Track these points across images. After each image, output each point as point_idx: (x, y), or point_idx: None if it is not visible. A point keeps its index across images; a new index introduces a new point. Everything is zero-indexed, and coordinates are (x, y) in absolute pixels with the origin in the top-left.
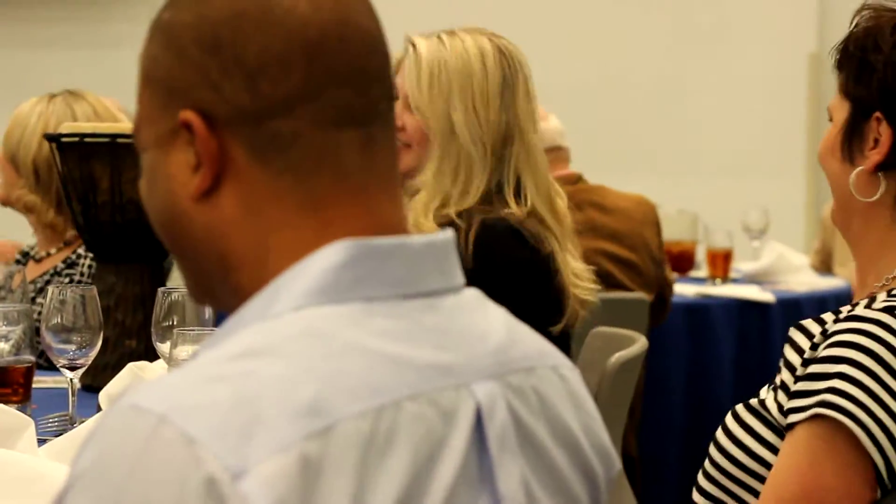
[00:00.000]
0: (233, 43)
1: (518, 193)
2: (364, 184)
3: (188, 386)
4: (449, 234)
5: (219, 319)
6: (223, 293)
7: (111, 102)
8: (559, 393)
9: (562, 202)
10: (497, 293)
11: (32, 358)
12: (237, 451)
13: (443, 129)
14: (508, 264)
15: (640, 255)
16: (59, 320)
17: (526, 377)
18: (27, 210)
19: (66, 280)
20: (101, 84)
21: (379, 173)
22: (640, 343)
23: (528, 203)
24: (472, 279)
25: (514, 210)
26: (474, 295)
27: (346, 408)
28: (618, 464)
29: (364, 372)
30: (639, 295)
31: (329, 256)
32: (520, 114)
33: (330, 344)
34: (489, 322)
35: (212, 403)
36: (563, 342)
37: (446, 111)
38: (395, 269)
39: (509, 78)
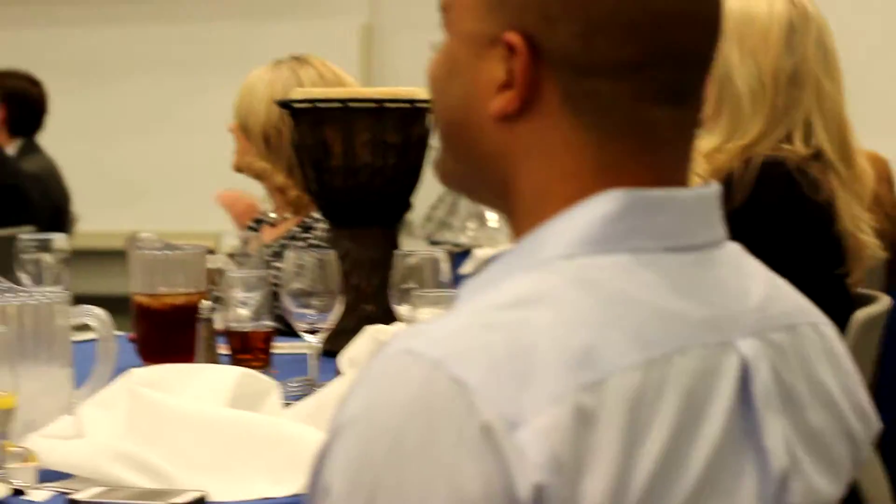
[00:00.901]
0: None
1: (808, 138)
2: (664, 160)
3: (462, 332)
4: (715, 187)
5: (456, 281)
6: (488, 198)
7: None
8: (818, 351)
9: (859, 154)
10: (768, 236)
11: (273, 323)
12: (513, 400)
13: (721, 72)
14: (782, 207)
15: (874, 213)
16: (299, 285)
17: (786, 335)
18: (258, 177)
19: (302, 244)
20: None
21: (681, 151)
22: (884, 301)
23: (816, 146)
24: (745, 220)
25: (797, 150)
26: (736, 249)
27: (619, 360)
28: (877, 423)
29: (635, 324)
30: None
31: (602, 205)
32: (809, 59)
33: (601, 295)
34: (751, 277)
35: (486, 351)
36: (841, 292)
37: (724, 54)
38: (665, 222)
39: (797, 24)
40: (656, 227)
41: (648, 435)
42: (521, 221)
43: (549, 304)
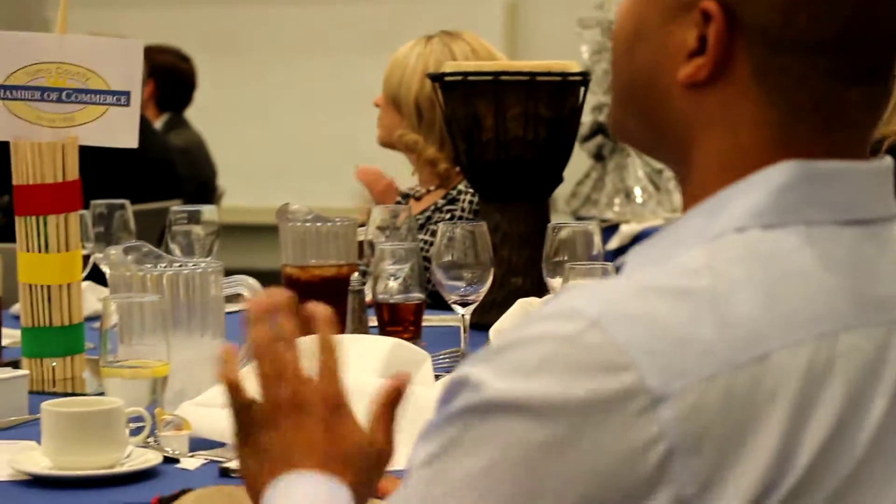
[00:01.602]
0: None
1: None
2: (848, 138)
3: (625, 296)
4: (889, 160)
5: (613, 256)
6: (664, 158)
7: None
8: None
9: None
10: None
11: (422, 295)
12: (662, 371)
13: None
14: None
15: None
16: (450, 257)
17: None
18: (408, 149)
19: (447, 216)
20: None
21: (866, 129)
22: None
23: None
24: None
25: None
26: None
27: (783, 336)
28: None
29: (803, 300)
30: None
31: (774, 176)
32: None
33: (771, 270)
34: None
35: (646, 317)
36: None
37: None
38: (838, 194)
39: None
40: (829, 199)
41: (813, 415)
42: (694, 190)
43: (717, 278)
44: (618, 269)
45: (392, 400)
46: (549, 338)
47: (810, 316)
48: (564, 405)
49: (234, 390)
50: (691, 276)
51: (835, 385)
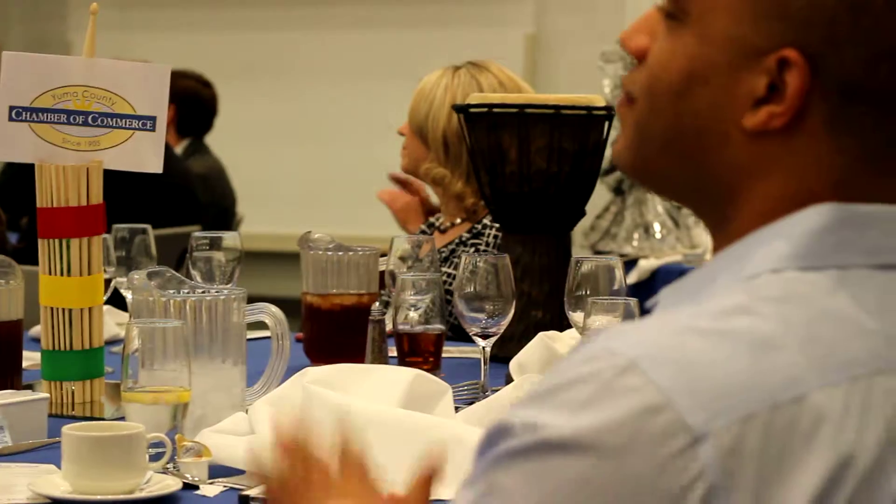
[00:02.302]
0: (879, 15)
1: None
2: None
3: (662, 336)
4: None
5: (630, 291)
6: (698, 201)
7: None
8: None
9: None
10: None
11: (442, 326)
12: (702, 410)
13: None
14: None
15: None
16: (472, 289)
17: None
18: (435, 183)
19: (471, 250)
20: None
21: None
22: None
23: None
24: None
25: None
26: None
27: (820, 377)
28: None
29: (839, 342)
30: None
31: (813, 218)
32: None
33: (808, 311)
34: None
35: (683, 357)
36: None
37: None
38: (872, 238)
39: None
40: (864, 243)
41: (851, 455)
42: (737, 231)
43: (752, 318)
44: (649, 309)
45: (428, 478)
46: (589, 379)
47: (846, 358)
48: (609, 442)
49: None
50: (728, 316)
51: (872, 427)
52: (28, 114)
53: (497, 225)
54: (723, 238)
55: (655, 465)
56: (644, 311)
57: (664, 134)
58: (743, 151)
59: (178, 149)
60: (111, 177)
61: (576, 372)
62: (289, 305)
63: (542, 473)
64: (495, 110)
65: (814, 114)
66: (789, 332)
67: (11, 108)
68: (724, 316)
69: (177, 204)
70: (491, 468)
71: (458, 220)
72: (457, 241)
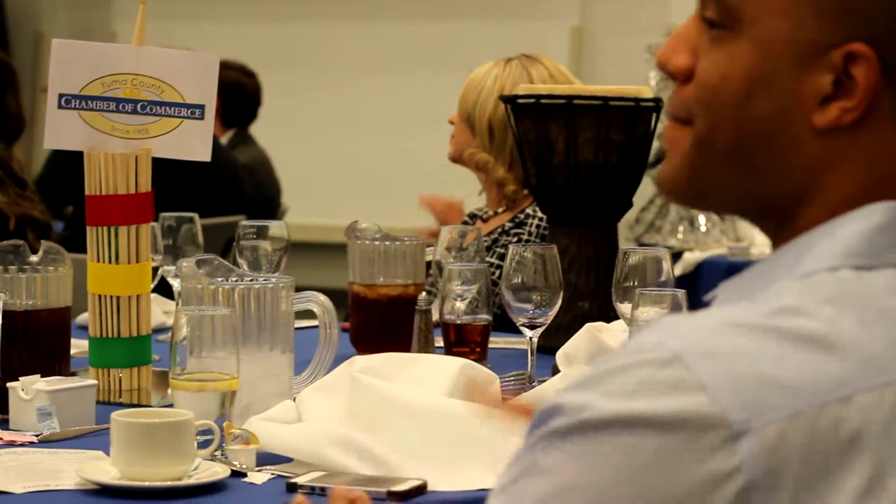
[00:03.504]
0: None
1: None
2: None
3: (709, 331)
4: None
5: (675, 284)
6: (761, 210)
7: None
8: None
9: None
10: None
11: (489, 317)
12: (744, 406)
13: None
14: None
15: None
16: (519, 279)
17: None
18: (478, 168)
19: (514, 240)
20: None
21: None
22: None
23: None
24: None
25: None
26: None
27: (868, 378)
28: None
29: (890, 343)
30: None
31: (868, 217)
32: None
33: (862, 311)
34: None
35: (730, 352)
36: None
37: None
38: None
39: None
40: None
41: None
42: (798, 229)
43: (806, 317)
44: (707, 303)
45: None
46: (634, 369)
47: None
48: (648, 428)
49: None
50: (779, 314)
51: None
52: (77, 101)
53: (540, 214)
54: (783, 237)
55: (693, 455)
56: (702, 305)
57: (729, 147)
58: (814, 151)
59: (223, 139)
60: (158, 165)
61: (624, 361)
62: (332, 296)
63: (580, 452)
64: (543, 101)
65: (882, 106)
66: (840, 332)
67: (61, 96)
68: (775, 314)
69: (222, 194)
70: (534, 447)
71: (500, 209)
72: (499, 230)
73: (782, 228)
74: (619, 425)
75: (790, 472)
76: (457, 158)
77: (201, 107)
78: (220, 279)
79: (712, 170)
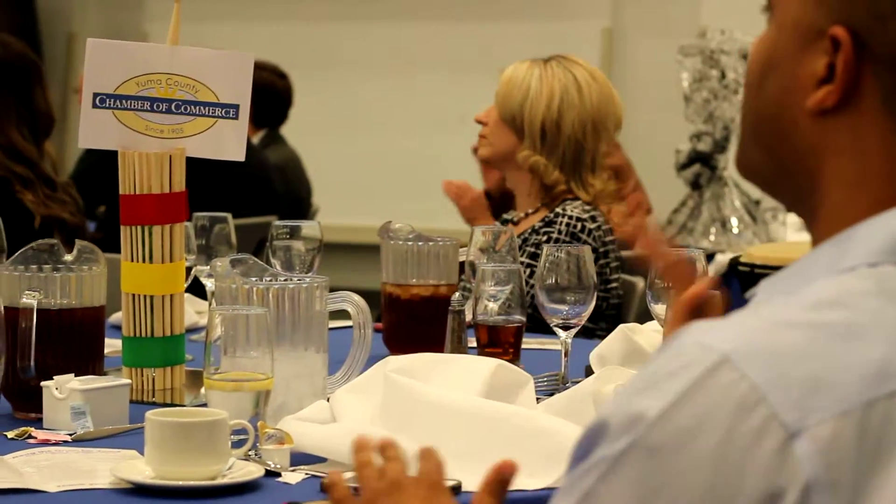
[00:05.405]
0: None
1: None
2: None
3: (757, 330)
4: None
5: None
6: (788, 195)
7: None
8: None
9: None
10: None
11: (523, 318)
12: (797, 406)
13: None
14: None
15: None
16: (553, 280)
17: None
18: (532, 171)
19: (543, 238)
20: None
21: None
22: None
23: None
24: None
25: None
26: None
27: None
28: None
29: None
30: None
31: None
32: None
33: None
34: None
35: (778, 352)
36: None
37: None
38: None
39: None
40: None
41: None
42: (822, 223)
43: (849, 312)
44: (746, 301)
45: (495, 488)
46: (681, 375)
47: None
48: (704, 442)
49: (333, 487)
50: (822, 309)
51: None
52: (112, 101)
53: (570, 213)
54: (821, 224)
55: (752, 464)
56: (742, 303)
57: (752, 126)
58: (811, 133)
59: (255, 140)
60: (191, 164)
61: (668, 368)
62: (363, 296)
63: (635, 480)
64: None
65: (870, 91)
66: (882, 326)
67: (95, 95)
68: (817, 308)
69: (254, 194)
70: (586, 475)
71: (531, 211)
72: (529, 230)
73: (812, 218)
74: (668, 446)
75: (847, 467)
76: (492, 159)
77: (236, 106)
78: (254, 279)
79: (748, 149)
